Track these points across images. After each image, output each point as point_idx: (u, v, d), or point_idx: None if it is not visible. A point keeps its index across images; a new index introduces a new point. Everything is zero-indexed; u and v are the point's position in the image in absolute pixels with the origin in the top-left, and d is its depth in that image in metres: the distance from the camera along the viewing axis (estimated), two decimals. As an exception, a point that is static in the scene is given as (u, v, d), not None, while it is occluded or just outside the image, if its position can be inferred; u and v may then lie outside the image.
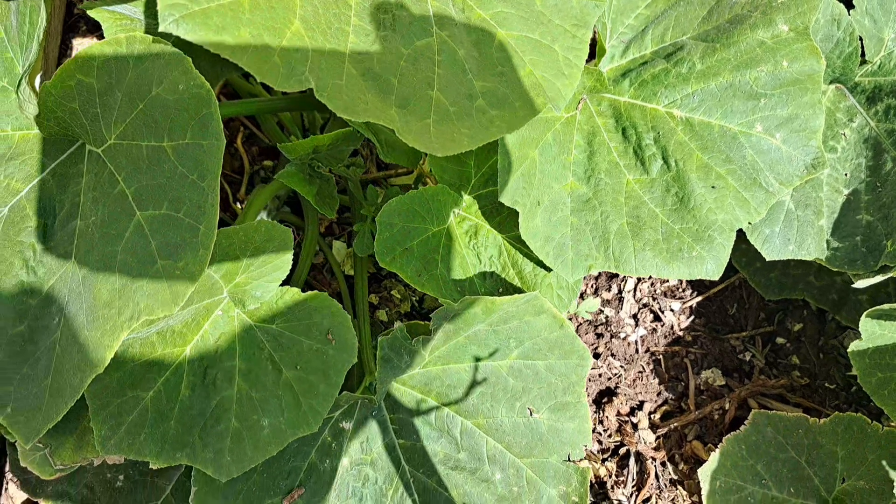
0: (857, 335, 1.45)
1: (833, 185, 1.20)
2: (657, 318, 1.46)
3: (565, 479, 1.16)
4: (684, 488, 1.35)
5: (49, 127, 0.96)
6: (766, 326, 1.46)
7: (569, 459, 1.16)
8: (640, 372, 1.43)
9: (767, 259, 1.17)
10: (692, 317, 1.46)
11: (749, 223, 1.13)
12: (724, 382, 1.42)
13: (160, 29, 0.73)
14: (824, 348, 1.46)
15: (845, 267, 1.16)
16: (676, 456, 1.37)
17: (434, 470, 1.17)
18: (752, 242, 1.17)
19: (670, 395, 1.42)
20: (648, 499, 1.33)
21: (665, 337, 1.45)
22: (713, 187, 1.14)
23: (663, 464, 1.36)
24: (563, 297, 1.19)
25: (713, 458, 1.29)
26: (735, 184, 1.14)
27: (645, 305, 1.46)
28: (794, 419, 1.29)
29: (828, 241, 1.18)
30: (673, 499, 1.34)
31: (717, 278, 1.12)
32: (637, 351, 1.45)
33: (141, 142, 0.91)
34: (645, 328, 1.46)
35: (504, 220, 1.20)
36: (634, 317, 1.46)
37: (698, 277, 1.11)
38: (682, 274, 1.12)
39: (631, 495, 1.33)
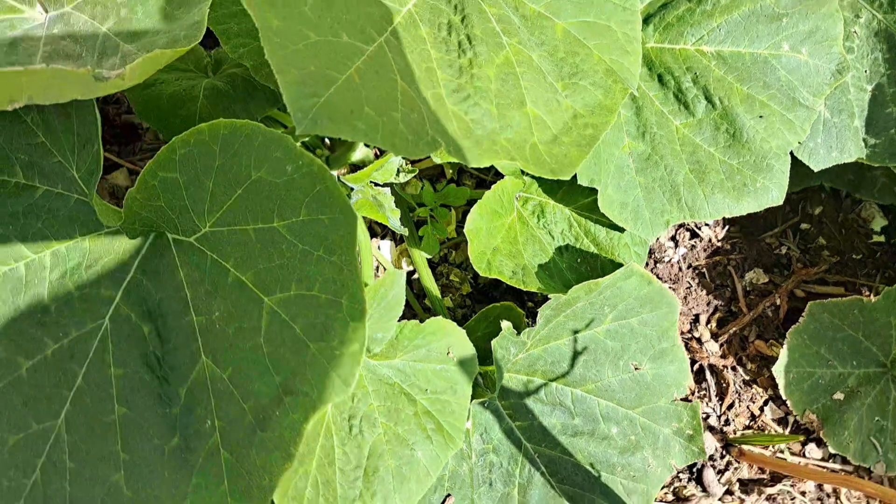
0: (873, 206, 1.55)
1: (857, 84, 1.26)
2: (695, 235, 1.53)
3: (676, 416, 1.23)
4: (759, 385, 1.45)
5: (135, 230, 0.91)
6: (793, 218, 1.55)
7: (675, 399, 1.23)
8: (687, 288, 1.51)
9: (815, 170, 1.23)
10: (727, 227, 1.53)
11: (799, 142, 1.18)
12: (767, 280, 1.51)
13: (297, 132, 0.70)
14: (844, 224, 1.56)
15: (886, 161, 1.23)
16: (743, 358, 1.47)
17: (555, 441, 1.22)
18: (800, 158, 1.22)
19: (720, 303, 1.51)
20: (732, 405, 1.43)
21: (705, 250, 1.52)
22: (760, 117, 1.17)
23: (733, 368, 1.46)
24: (640, 253, 1.23)
25: (783, 354, 1.39)
26: (778, 108, 1.18)
27: (681, 226, 1.52)
28: (848, 302, 1.39)
29: (864, 140, 1.24)
30: (751, 398, 1.44)
31: (780, 203, 1.17)
32: (681, 269, 1.51)
33: (245, 226, 0.87)
34: (685, 247, 1.52)
35: (566, 193, 1.22)
36: (673, 238, 1.52)
37: (766, 207, 1.17)
38: (751, 208, 1.17)
39: (717, 405, 1.43)
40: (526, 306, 1.42)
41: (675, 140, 1.18)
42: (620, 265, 1.22)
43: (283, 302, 0.86)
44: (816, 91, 1.19)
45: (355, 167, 1.32)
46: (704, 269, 1.52)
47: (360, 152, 1.29)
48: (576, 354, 1.20)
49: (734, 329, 1.48)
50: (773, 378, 1.43)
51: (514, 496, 1.21)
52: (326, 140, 1.38)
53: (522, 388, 1.21)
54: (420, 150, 0.77)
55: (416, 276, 1.40)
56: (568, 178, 0.85)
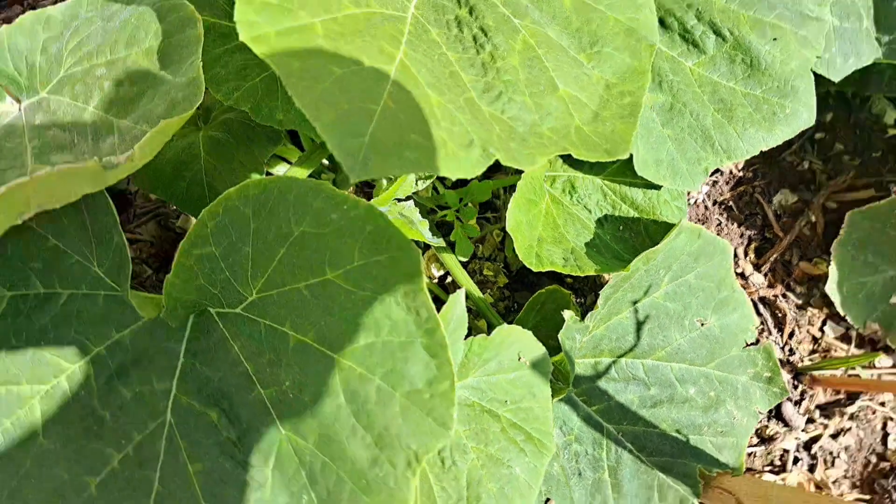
0: (883, 100, 1.52)
1: (858, -17, 1.21)
2: (715, 171, 1.48)
3: (751, 362, 1.19)
4: (813, 307, 1.42)
5: (177, 315, 0.84)
6: (806, 130, 1.51)
7: (746, 345, 1.19)
8: (718, 225, 1.47)
9: (836, 81, 1.19)
10: (744, 154, 1.49)
11: (817, 57, 1.13)
12: (796, 199, 1.47)
13: (352, 181, 0.63)
14: (856, 124, 1.52)
15: (905, 56, 1.19)
16: (791, 283, 1.44)
17: (636, 416, 1.18)
18: (819, 72, 1.18)
19: (753, 233, 1.47)
20: (792, 333, 1.40)
21: (727, 183, 1.48)
22: (774, 39, 1.12)
23: (784, 296, 1.43)
24: (681, 206, 1.18)
25: (832, 271, 1.35)
26: (789, 26, 1.13)
27: (699, 164, 1.47)
28: (886, 204, 1.36)
29: (878, 39, 1.20)
30: (809, 321, 1.41)
31: (812, 123, 1.13)
32: (707, 208, 1.47)
33: (296, 284, 0.81)
34: (706, 184, 1.48)
35: (594, 162, 1.16)
36: (693, 179, 1.47)
37: (799, 131, 1.12)
38: (786, 135, 1.12)
39: (777, 337, 1.40)
40: (566, 282, 1.37)
41: (692, 83, 1.12)
42: (664, 223, 1.17)
43: (355, 355, 0.80)
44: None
45: (365, 184, 1.25)
46: (731, 203, 1.48)
47: (365, 168, 1.21)
48: (639, 325, 1.15)
49: (774, 256, 1.44)
50: (825, 297, 1.40)
51: (606, 479, 1.17)
52: (324, 161, 1.31)
53: (592, 371, 1.17)
54: (474, 168, 0.71)
55: (448, 279, 1.35)
56: (625, 156, 0.79)
